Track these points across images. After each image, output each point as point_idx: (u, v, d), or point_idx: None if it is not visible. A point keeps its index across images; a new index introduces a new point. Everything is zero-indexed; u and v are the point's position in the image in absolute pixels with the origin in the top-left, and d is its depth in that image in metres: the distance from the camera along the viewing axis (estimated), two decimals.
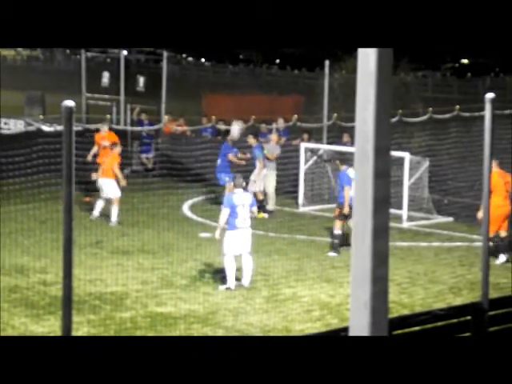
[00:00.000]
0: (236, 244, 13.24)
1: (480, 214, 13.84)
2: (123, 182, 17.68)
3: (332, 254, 15.56)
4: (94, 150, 19.34)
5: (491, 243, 14.66)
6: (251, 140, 19.64)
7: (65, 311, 6.49)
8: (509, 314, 9.45)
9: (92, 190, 18.52)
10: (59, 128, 18.43)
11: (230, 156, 19.36)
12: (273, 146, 19.78)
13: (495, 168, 15.37)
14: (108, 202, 17.57)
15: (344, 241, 15.52)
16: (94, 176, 18.19)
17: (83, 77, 25.31)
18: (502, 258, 15.29)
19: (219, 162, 19.43)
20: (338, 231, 15.70)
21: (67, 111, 6.42)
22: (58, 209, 6.57)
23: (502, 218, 15.41)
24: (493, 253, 14.71)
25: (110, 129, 20.31)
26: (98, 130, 20.12)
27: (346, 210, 15.71)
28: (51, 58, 61.30)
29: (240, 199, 13.46)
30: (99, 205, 17.68)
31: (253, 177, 19.02)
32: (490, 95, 9.27)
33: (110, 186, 17.52)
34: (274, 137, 20.18)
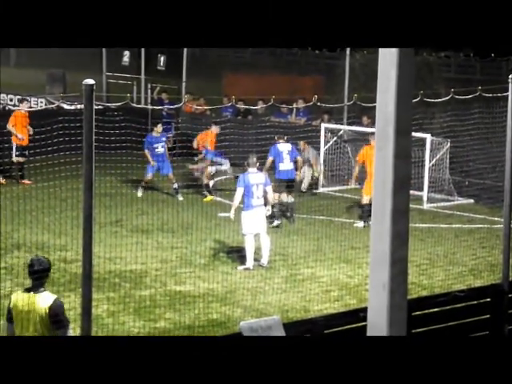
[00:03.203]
0: (253, 223, 13.27)
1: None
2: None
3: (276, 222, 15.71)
4: (14, 130, 18.73)
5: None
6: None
7: (84, 288, 6.53)
8: None
9: (6, 171, 18.71)
10: (80, 106, 18.44)
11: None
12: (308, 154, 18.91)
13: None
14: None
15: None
16: (14, 159, 18.50)
17: (104, 56, 25.30)
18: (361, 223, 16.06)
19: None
20: (291, 199, 16.03)
21: (88, 89, 6.41)
22: (79, 187, 6.58)
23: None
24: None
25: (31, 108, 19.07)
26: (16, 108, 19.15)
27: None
28: None
29: (254, 178, 13.47)
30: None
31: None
32: None
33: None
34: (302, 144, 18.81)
